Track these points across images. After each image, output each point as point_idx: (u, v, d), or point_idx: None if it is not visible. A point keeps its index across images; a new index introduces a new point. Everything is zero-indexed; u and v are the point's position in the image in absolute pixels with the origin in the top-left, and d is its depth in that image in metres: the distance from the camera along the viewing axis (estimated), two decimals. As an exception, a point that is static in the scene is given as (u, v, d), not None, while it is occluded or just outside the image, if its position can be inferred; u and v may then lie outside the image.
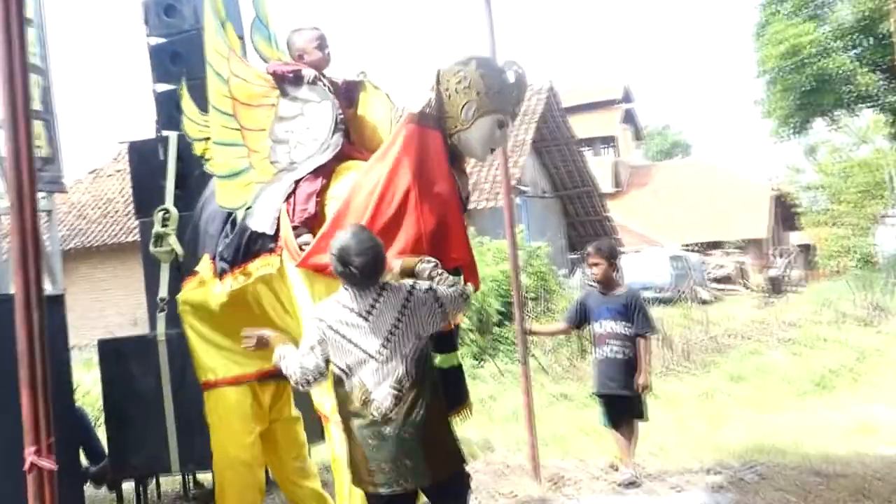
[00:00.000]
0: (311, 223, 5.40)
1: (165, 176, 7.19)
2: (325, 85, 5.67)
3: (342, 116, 5.61)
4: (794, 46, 35.06)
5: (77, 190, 32.49)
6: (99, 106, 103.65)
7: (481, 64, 5.10)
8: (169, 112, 7.26)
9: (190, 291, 6.26)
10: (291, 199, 5.46)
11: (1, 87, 3.75)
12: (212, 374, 6.21)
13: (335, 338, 4.64)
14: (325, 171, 5.49)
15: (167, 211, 7.01)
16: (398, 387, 4.58)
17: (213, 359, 6.21)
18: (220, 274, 5.91)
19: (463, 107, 5.07)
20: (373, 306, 4.63)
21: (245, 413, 6.16)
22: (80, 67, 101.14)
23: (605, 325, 7.42)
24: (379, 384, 4.59)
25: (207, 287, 6.07)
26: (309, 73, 5.61)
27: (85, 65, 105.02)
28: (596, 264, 7.48)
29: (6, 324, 3.76)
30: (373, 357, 4.60)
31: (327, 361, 4.69)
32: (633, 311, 7.39)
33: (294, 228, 5.40)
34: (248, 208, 5.64)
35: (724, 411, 10.44)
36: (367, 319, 4.63)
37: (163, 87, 7.43)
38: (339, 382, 4.70)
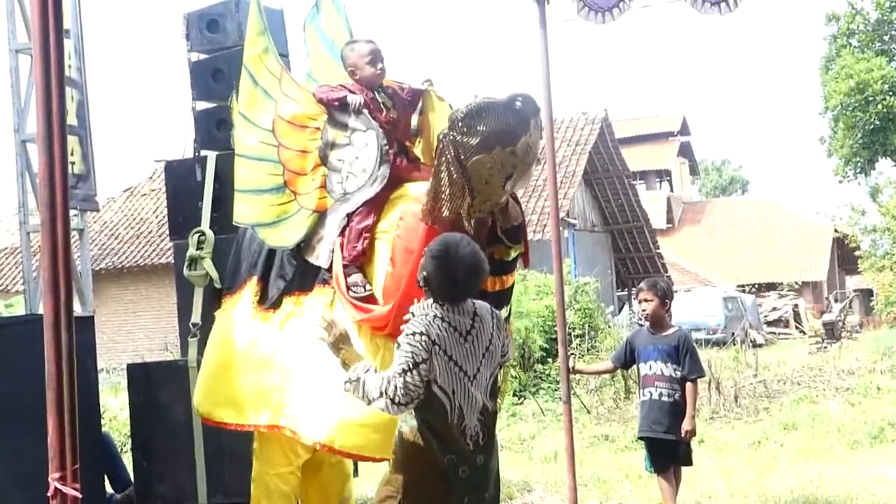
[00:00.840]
0: (360, 260, 5.35)
1: (202, 197, 6.99)
2: (371, 110, 5.56)
3: (387, 147, 5.47)
4: (861, 82, 34.60)
5: (110, 208, 32.49)
6: (135, 122, 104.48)
7: (503, 139, 4.69)
8: (208, 131, 7.11)
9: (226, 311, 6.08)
10: (345, 234, 5.41)
11: (36, 101, 3.66)
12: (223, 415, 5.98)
13: (442, 357, 4.35)
14: (377, 204, 5.43)
15: (203, 234, 6.81)
16: (483, 414, 4.46)
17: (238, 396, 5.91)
18: (272, 304, 5.75)
19: (505, 184, 4.83)
20: (472, 325, 4.46)
21: (286, 443, 5.85)
22: (117, 80, 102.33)
23: (653, 367, 7.15)
24: (472, 411, 4.42)
25: (236, 308, 5.91)
26: (354, 100, 5.50)
27: (122, 78, 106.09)
28: (648, 301, 7.20)
29: (36, 344, 3.68)
30: (471, 380, 4.41)
31: (427, 382, 4.33)
32: (683, 354, 7.11)
33: (345, 267, 5.34)
34: (303, 239, 5.58)
35: (774, 460, 10.11)
36: (466, 339, 4.43)
37: (203, 105, 7.26)
38: (440, 409, 4.37)
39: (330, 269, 5.47)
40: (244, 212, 5.76)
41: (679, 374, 7.07)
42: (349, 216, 5.41)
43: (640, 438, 7.46)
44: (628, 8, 6.66)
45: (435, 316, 4.40)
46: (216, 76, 7.14)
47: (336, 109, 5.53)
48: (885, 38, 36.77)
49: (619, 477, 9.30)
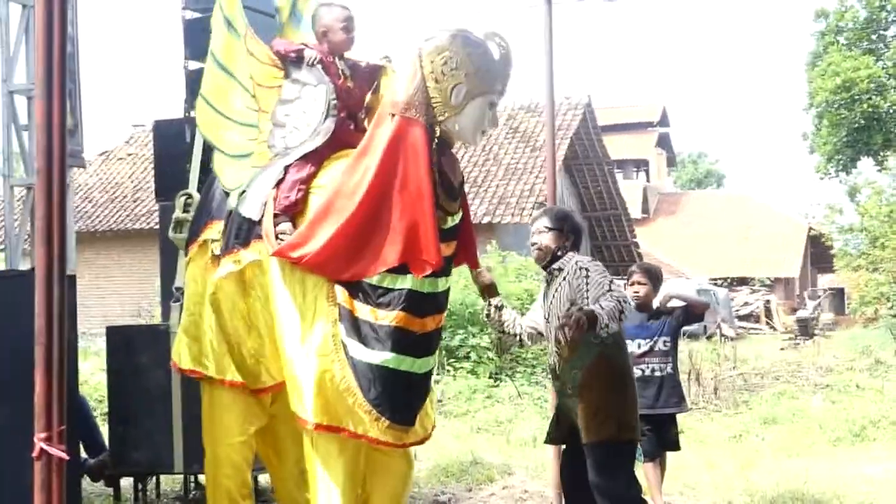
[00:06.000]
0: (293, 211, 5.15)
1: (190, 159, 6.77)
2: (330, 73, 5.40)
3: (335, 102, 5.30)
4: (848, 80, 34.69)
5: (85, 171, 31.47)
6: (113, 85, 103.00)
7: (467, 41, 4.84)
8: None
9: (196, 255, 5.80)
10: (280, 186, 5.20)
11: (37, 44, 3.45)
12: (203, 366, 5.66)
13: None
14: (316, 158, 5.23)
15: (190, 196, 6.58)
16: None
17: (208, 349, 5.65)
18: (216, 257, 5.54)
19: (452, 91, 4.81)
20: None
21: (240, 411, 5.62)
22: (98, 41, 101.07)
23: (642, 344, 7.08)
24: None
25: (205, 259, 5.66)
26: (311, 54, 5.36)
27: (102, 39, 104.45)
28: (641, 284, 7.16)
29: (19, 301, 3.45)
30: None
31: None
32: (670, 319, 7.17)
33: (275, 216, 5.14)
34: (242, 193, 5.38)
35: (756, 453, 10.04)
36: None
37: (195, 65, 7.03)
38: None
39: (261, 223, 5.24)
40: (231, 178, 5.56)
41: (668, 345, 7.12)
42: (286, 168, 5.21)
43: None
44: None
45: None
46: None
47: (291, 63, 5.40)
48: (874, 36, 36.87)
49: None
